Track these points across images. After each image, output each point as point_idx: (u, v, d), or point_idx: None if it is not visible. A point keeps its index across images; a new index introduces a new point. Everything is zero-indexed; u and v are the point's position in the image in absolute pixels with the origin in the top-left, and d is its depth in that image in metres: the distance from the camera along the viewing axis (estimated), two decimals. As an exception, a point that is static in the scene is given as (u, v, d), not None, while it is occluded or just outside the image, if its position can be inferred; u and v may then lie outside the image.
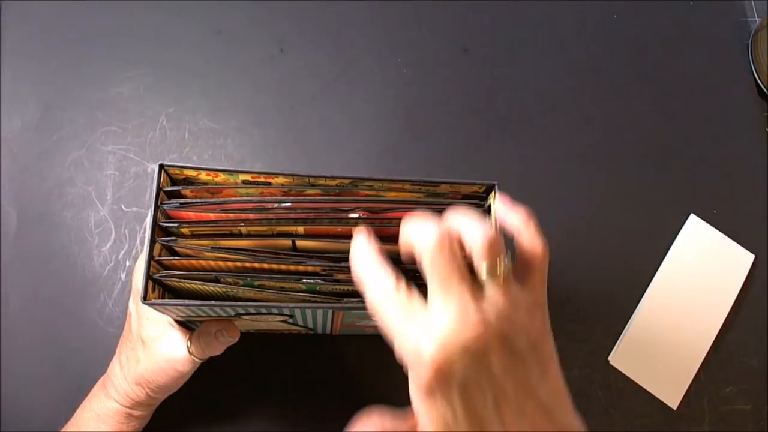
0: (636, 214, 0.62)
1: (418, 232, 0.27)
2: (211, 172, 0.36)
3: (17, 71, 0.59)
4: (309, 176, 0.36)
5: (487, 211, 0.39)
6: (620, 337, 0.58)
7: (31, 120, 0.58)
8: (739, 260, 0.61)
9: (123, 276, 0.54)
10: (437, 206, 0.37)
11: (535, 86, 0.65)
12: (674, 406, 0.57)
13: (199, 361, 0.41)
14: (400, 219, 0.37)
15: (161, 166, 0.35)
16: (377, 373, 0.53)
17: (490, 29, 0.66)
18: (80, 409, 0.44)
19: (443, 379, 0.24)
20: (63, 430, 0.44)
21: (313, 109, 0.61)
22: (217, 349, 0.41)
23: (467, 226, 0.27)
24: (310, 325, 0.43)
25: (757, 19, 0.71)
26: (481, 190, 0.39)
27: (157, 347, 0.40)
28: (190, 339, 0.40)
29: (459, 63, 0.65)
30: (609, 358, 0.57)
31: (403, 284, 0.27)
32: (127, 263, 0.55)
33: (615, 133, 0.65)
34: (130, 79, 0.60)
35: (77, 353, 0.52)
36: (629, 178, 0.63)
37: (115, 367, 0.43)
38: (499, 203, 0.33)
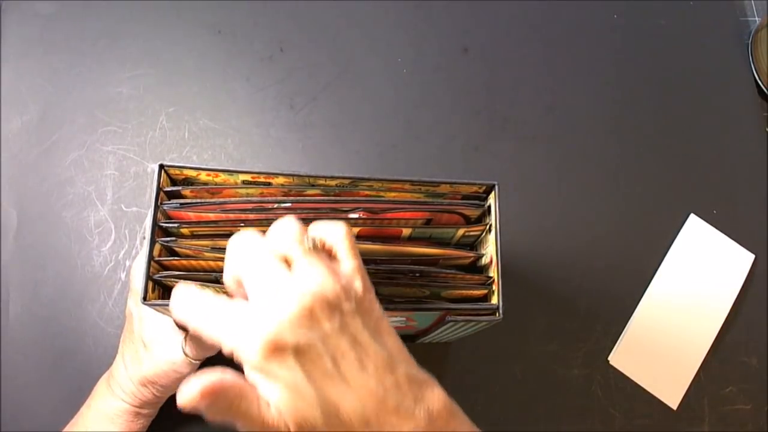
0: (636, 214, 0.62)
1: (233, 244, 0.29)
2: (211, 173, 0.36)
3: (17, 71, 0.59)
4: (309, 176, 0.36)
5: (488, 212, 0.39)
6: (620, 337, 0.58)
7: (31, 120, 0.58)
8: (739, 260, 0.61)
9: (123, 276, 0.54)
10: (437, 206, 0.37)
11: (535, 86, 0.65)
12: (674, 406, 0.57)
13: (197, 362, 0.41)
14: (400, 219, 0.37)
15: (161, 167, 0.35)
16: None
17: (490, 29, 0.66)
18: (85, 407, 0.44)
19: (276, 351, 0.25)
20: (67, 429, 0.44)
21: (313, 109, 0.61)
22: (211, 350, 0.41)
23: (274, 230, 0.29)
24: None
25: (757, 19, 0.71)
26: (481, 190, 0.39)
27: (157, 349, 0.40)
28: (185, 340, 0.40)
29: (459, 63, 0.65)
30: (609, 358, 0.57)
31: (211, 291, 0.28)
32: (127, 263, 0.55)
33: (615, 133, 0.65)
34: (130, 79, 0.60)
35: (77, 353, 0.52)
36: (629, 178, 0.63)
37: (119, 368, 0.43)
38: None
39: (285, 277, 0.26)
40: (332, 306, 0.26)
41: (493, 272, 0.38)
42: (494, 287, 0.37)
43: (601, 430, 0.55)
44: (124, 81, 0.60)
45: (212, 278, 0.35)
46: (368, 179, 0.36)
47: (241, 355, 0.25)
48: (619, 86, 0.66)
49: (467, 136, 0.62)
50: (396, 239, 0.39)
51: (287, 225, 0.28)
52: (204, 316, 0.27)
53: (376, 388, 0.26)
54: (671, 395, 0.57)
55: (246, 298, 0.27)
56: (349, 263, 0.28)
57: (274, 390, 0.25)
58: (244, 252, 0.28)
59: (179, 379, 0.42)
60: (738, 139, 0.66)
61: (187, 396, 0.25)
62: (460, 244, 0.41)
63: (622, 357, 0.57)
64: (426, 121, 0.62)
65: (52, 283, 0.54)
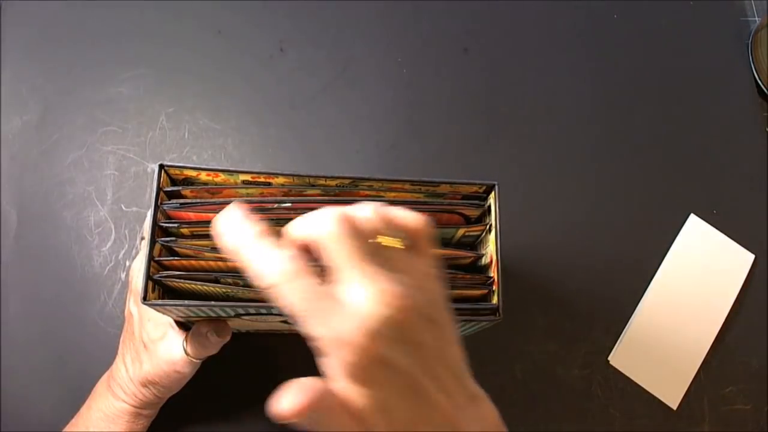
0: (636, 214, 0.62)
1: (314, 224, 0.26)
2: (211, 173, 0.36)
3: (17, 71, 0.59)
4: (309, 176, 0.36)
5: (488, 211, 0.39)
6: (620, 337, 0.58)
7: (31, 120, 0.58)
8: (739, 260, 0.61)
9: (123, 276, 0.54)
10: (437, 206, 0.37)
11: (535, 86, 0.65)
12: (674, 406, 0.57)
13: (198, 362, 0.41)
14: None
15: (161, 167, 0.35)
16: None
17: (491, 29, 0.66)
18: (85, 408, 0.44)
19: (373, 360, 0.23)
20: (67, 430, 0.44)
21: (313, 109, 0.61)
22: (212, 349, 0.41)
23: (356, 211, 0.26)
24: None
25: (757, 19, 0.71)
26: (481, 190, 0.39)
27: (157, 349, 0.40)
28: (186, 340, 0.40)
29: (459, 63, 0.65)
30: (609, 358, 0.57)
31: (304, 266, 0.24)
32: (127, 263, 0.55)
33: (614, 133, 0.65)
34: (130, 79, 0.60)
35: (77, 353, 0.52)
36: (629, 178, 0.63)
37: (120, 368, 0.43)
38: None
39: (384, 275, 0.24)
40: (424, 312, 0.24)
41: (493, 272, 0.38)
42: (494, 287, 0.37)
43: (601, 430, 0.55)
44: (124, 81, 0.60)
45: (212, 278, 0.35)
46: (368, 179, 0.36)
47: (332, 353, 0.23)
48: (619, 86, 0.66)
49: (467, 136, 0.62)
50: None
51: (379, 209, 0.26)
52: (285, 279, 0.24)
53: (453, 412, 0.25)
54: (671, 395, 0.57)
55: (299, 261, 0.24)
56: (431, 262, 0.27)
57: (368, 400, 0.24)
58: (344, 224, 0.25)
59: (180, 380, 0.42)
60: (738, 139, 0.66)
61: (289, 406, 0.23)
62: (460, 244, 0.41)
63: (622, 357, 0.57)
64: (426, 121, 0.62)
65: (52, 282, 0.54)
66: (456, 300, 0.38)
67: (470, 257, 0.39)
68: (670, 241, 0.61)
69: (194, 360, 0.41)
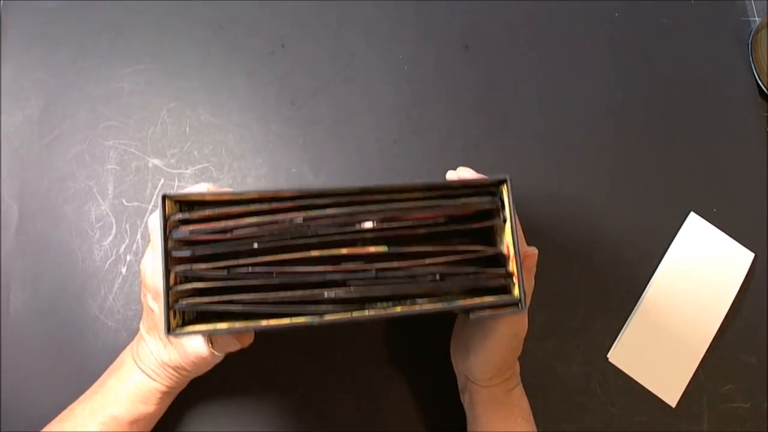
0: (636, 213, 0.62)
1: None
2: (216, 195, 0.36)
3: (19, 66, 0.59)
4: (317, 191, 0.35)
5: (501, 206, 0.39)
6: (619, 335, 0.58)
7: (32, 114, 0.58)
8: (739, 259, 0.61)
9: (124, 270, 0.55)
10: (451, 207, 0.37)
11: (536, 84, 0.65)
12: (673, 404, 0.57)
13: (222, 355, 0.42)
14: (414, 221, 0.37)
15: (164, 197, 0.34)
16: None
17: (491, 26, 0.66)
18: (115, 380, 0.44)
19: None
20: (91, 393, 0.45)
21: (314, 105, 0.61)
22: (234, 346, 0.42)
23: None
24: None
25: (757, 19, 0.72)
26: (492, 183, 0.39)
27: (182, 344, 0.41)
28: (210, 339, 0.41)
29: (459, 60, 0.65)
30: (608, 356, 0.57)
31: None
32: (128, 258, 0.55)
33: (614, 131, 0.65)
34: (131, 74, 0.60)
35: (78, 347, 0.52)
36: (629, 177, 0.63)
37: (148, 354, 0.43)
38: None
39: None
40: None
41: (512, 265, 0.38)
42: (514, 279, 0.38)
43: (600, 427, 0.56)
44: (126, 76, 0.60)
45: (234, 300, 0.35)
46: (379, 189, 0.36)
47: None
48: (619, 85, 0.66)
49: (467, 133, 0.63)
50: (412, 240, 0.39)
51: None
52: None
53: None
54: (670, 393, 0.57)
55: None
56: None
57: None
58: None
59: (206, 367, 0.43)
60: (738, 138, 0.66)
61: None
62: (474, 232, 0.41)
63: (621, 354, 0.57)
64: (426, 118, 0.62)
65: (53, 277, 0.54)
66: (477, 293, 0.38)
67: (488, 252, 0.39)
68: (669, 239, 0.61)
69: (216, 354, 0.41)
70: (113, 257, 0.55)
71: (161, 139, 0.59)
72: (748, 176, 0.65)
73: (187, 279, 0.36)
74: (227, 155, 0.59)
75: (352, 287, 0.35)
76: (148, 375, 0.43)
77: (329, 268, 0.35)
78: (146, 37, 0.61)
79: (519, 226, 0.43)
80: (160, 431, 0.47)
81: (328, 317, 0.34)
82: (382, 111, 0.62)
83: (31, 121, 0.58)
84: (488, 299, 0.37)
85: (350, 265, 0.36)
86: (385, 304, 0.36)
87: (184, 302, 0.34)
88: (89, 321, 0.53)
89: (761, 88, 0.68)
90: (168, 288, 0.34)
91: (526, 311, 0.37)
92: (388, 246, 0.36)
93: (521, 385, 0.49)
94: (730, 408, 0.57)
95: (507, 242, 0.39)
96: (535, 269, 0.43)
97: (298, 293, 0.35)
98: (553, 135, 0.64)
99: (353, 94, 0.62)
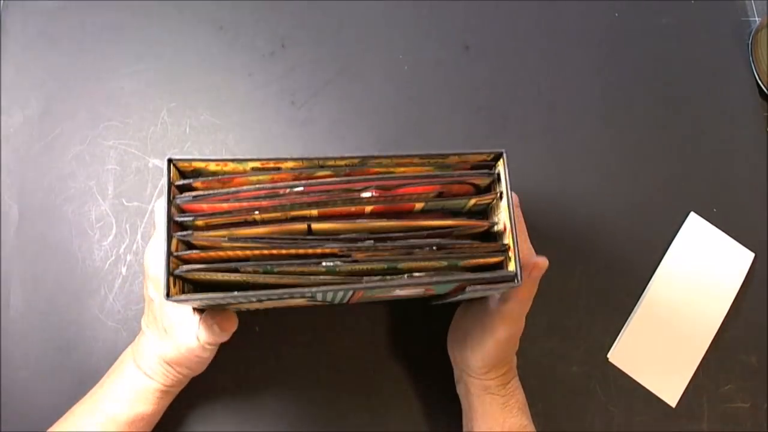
0: (636, 212, 0.62)
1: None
2: (220, 162, 0.36)
3: (19, 65, 0.59)
4: (318, 158, 0.36)
5: (497, 179, 0.39)
6: (619, 335, 0.58)
7: (32, 114, 0.58)
8: (739, 258, 0.61)
9: (124, 270, 0.55)
10: (448, 178, 0.37)
11: (536, 84, 0.65)
12: (673, 404, 0.57)
13: (214, 347, 0.42)
14: (412, 194, 0.37)
15: (170, 161, 0.35)
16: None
17: (492, 26, 0.66)
18: (110, 382, 0.44)
19: None
20: (92, 395, 0.44)
21: (314, 105, 0.61)
22: (221, 338, 0.41)
23: None
24: (329, 300, 0.44)
25: (757, 19, 0.72)
26: (489, 158, 0.39)
27: (176, 336, 0.41)
28: (198, 325, 0.40)
29: (460, 60, 0.65)
30: (608, 356, 0.57)
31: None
32: (128, 258, 0.55)
33: (615, 131, 0.65)
34: (131, 74, 0.60)
35: (78, 346, 0.52)
36: (629, 177, 0.63)
37: (145, 349, 0.43)
38: None
39: None
40: None
41: (508, 239, 0.38)
42: (510, 253, 0.38)
43: (600, 427, 0.56)
44: (126, 76, 0.60)
45: (232, 268, 0.35)
46: (378, 157, 0.36)
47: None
48: (620, 84, 0.66)
49: (468, 133, 0.63)
50: (409, 214, 0.40)
51: None
52: None
53: None
54: (670, 393, 0.57)
55: None
56: None
57: None
58: None
59: (201, 362, 0.43)
60: (738, 138, 0.66)
61: None
62: (472, 213, 0.42)
63: (622, 354, 0.57)
64: (426, 118, 0.62)
65: (53, 277, 0.54)
66: (473, 269, 0.39)
67: (484, 226, 0.40)
68: (669, 239, 0.61)
69: (208, 345, 0.41)
70: (113, 257, 0.55)
71: (161, 139, 0.59)
72: (748, 176, 0.65)
73: (189, 245, 0.36)
74: (228, 155, 0.59)
75: (350, 257, 0.35)
76: (146, 373, 0.43)
77: (327, 239, 0.35)
78: (146, 38, 0.61)
79: (522, 222, 0.43)
80: None
81: (324, 287, 0.35)
82: (382, 111, 0.62)
83: (32, 120, 0.58)
84: (485, 274, 0.37)
85: (349, 236, 0.36)
86: (381, 276, 0.36)
87: (184, 267, 0.34)
88: (89, 321, 0.53)
89: (761, 88, 0.68)
90: (169, 253, 0.34)
91: (522, 285, 0.37)
92: (386, 218, 0.37)
93: (518, 378, 0.49)
94: (730, 408, 0.57)
95: (503, 217, 0.39)
96: (539, 278, 0.43)
97: (296, 263, 0.35)
98: (553, 135, 0.64)
99: (353, 94, 0.62)
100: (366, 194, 0.36)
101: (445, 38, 0.65)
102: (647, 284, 0.60)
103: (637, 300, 0.59)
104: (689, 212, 0.62)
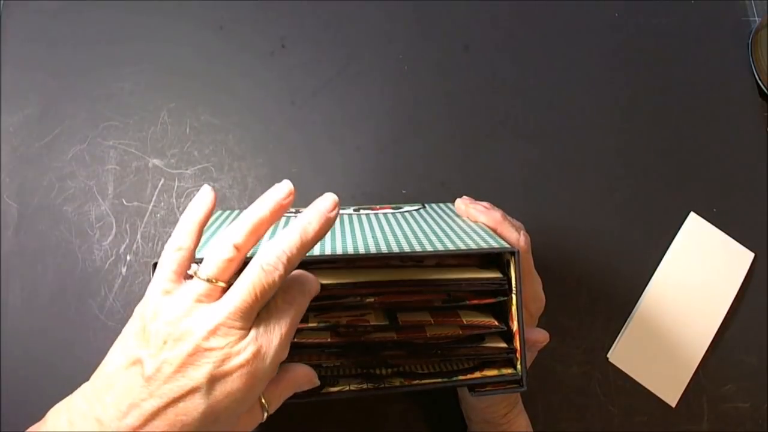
0: (636, 212, 0.62)
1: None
2: None
3: (19, 65, 0.59)
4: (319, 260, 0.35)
5: (508, 285, 0.37)
6: (619, 335, 0.58)
7: (32, 114, 0.58)
8: (739, 258, 0.61)
9: (124, 270, 0.55)
10: (455, 286, 0.37)
11: (536, 84, 0.65)
12: (673, 404, 0.57)
13: None
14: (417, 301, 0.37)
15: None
16: None
17: (491, 27, 0.66)
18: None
19: None
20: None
21: (314, 105, 0.61)
22: None
23: None
24: None
25: (757, 19, 0.72)
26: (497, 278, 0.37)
27: None
28: None
29: (459, 60, 0.65)
30: (608, 356, 0.57)
31: None
32: (128, 258, 0.55)
33: (615, 131, 0.65)
34: (131, 74, 0.60)
35: (77, 347, 0.52)
36: (630, 176, 0.63)
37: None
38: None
39: None
40: None
41: (516, 341, 0.37)
42: (517, 355, 0.37)
43: (600, 427, 0.56)
44: (126, 76, 0.60)
45: None
46: (380, 281, 0.36)
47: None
48: (619, 85, 0.66)
49: (468, 133, 0.63)
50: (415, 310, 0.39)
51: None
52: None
53: None
54: (670, 393, 0.57)
55: None
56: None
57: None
58: None
59: None
60: (738, 138, 0.66)
61: None
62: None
63: (621, 354, 0.57)
64: (426, 118, 0.62)
65: (53, 277, 0.54)
66: (479, 368, 0.38)
67: (499, 328, 0.38)
68: (669, 238, 0.61)
69: None
70: (113, 257, 0.55)
71: (161, 139, 0.59)
72: (748, 176, 0.65)
73: None
74: (227, 155, 0.59)
75: (351, 360, 0.36)
76: None
77: (328, 339, 0.35)
78: (146, 38, 0.61)
79: (532, 269, 0.42)
80: None
81: (326, 389, 0.35)
82: (381, 112, 0.62)
83: (32, 120, 0.58)
84: (489, 373, 0.37)
85: (350, 338, 0.36)
86: (385, 379, 0.36)
87: None
88: (89, 321, 0.53)
89: (761, 88, 0.68)
90: None
91: (526, 388, 0.37)
92: (389, 319, 0.36)
93: (521, 404, 0.49)
94: (730, 408, 0.57)
95: (513, 315, 0.37)
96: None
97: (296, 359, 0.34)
98: (553, 135, 0.64)
99: (353, 95, 0.62)
100: (370, 300, 0.35)
101: (445, 39, 0.65)
102: (647, 284, 0.60)
103: (637, 300, 0.59)
104: (689, 212, 0.62)
